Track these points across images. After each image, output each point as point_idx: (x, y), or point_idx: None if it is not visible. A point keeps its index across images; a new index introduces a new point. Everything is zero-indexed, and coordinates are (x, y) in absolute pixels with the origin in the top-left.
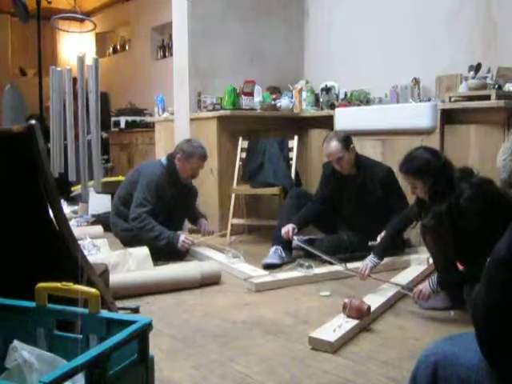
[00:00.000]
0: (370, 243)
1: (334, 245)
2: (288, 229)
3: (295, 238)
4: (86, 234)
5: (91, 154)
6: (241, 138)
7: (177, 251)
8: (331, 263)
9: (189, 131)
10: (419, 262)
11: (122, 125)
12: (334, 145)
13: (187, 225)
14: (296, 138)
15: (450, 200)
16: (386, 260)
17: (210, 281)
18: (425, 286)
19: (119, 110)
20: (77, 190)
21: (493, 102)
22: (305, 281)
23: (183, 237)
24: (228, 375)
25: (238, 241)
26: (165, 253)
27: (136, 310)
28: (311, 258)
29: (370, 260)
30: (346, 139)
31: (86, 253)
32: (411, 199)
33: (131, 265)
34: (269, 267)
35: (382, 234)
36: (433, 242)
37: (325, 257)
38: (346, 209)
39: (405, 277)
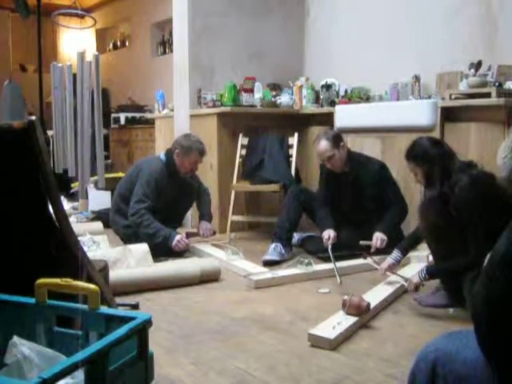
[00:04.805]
0: (361, 242)
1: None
2: (329, 235)
3: (330, 246)
4: (86, 230)
5: (90, 150)
6: (241, 135)
7: (170, 250)
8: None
9: (189, 128)
10: (419, 259)
11: (122, 121)
12: (324, 144)
13: (187, 221)
14: (296, 134)
15: (443, 187)
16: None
17: (210, 277)
18: (414, 276)
19: (119, 106)
20: (77, 186)
21: (493, 100)
22: (304, 278)
23: (179, 237)
24: (227, 372)
25: (237, 237)
26: (160, 250)
27: (135, 307)
28: (311, 256)
29: (393, 256)
30: (335, 137)
31: (85, 249)
32: (415, 188)
33: (131, 261)
34: (268, 264)
35: (377, 233)
36: (423, 228)
37: (336, 273)
38: (343, 206)
39: (407, 274)
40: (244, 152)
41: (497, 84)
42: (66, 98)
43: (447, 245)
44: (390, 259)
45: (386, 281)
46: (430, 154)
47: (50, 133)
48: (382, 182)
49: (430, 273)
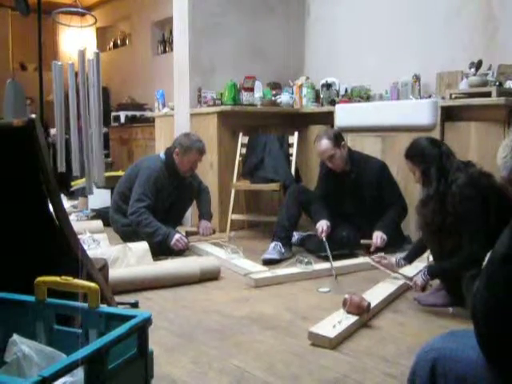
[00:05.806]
0: (362, 241)
1: (332, 241)
2: (323, 227)
3: (324, 238)
4: (86, 228)
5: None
6: (241, 134)
7: (170, 249)
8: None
9: (189, 126)
10: (419, 259)
11: (122, 120)
12: (325, 143)
13: (187, 219)
14: (296, 133)
15: (440, 186)
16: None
17: (210, 276)
18: (418, 278)
19: (119, 104)
20: (77, 184)
21: (493, 100)
22: (304, 277)
23: (178, 236)
24: (227, 370)
25: (237, 236)
26: (160, 249)
27: (135, 305)
28: (310, 255)
29: (397, 259)
30: (337, 136)
31: (85, 247)
32: (415, 188)
33: (131, 260)
34: (268, 263)
35: (377, 232)
36: (421, 226)
37: (333, 270)
38: (344, 205)
39: (407, 273)
40: (244, 151)
41: (497, 83)
42: (69, 97)
43: (445, 243)
44: (392, 259)
45: (387, 280)
46: (427, 154)
47: (53, 132)
48: (382, 181)
49: (431, 273)
